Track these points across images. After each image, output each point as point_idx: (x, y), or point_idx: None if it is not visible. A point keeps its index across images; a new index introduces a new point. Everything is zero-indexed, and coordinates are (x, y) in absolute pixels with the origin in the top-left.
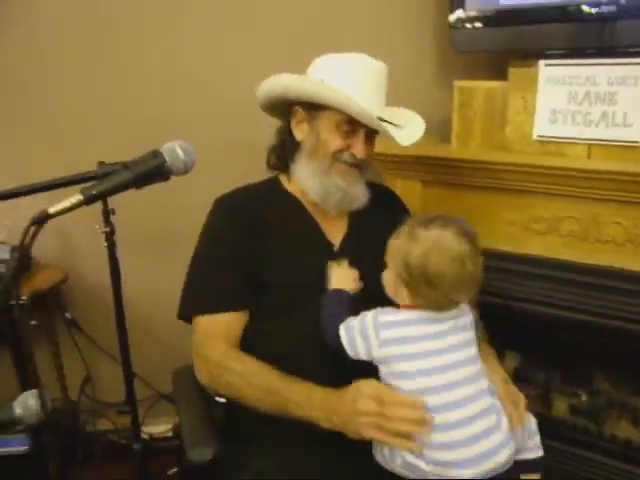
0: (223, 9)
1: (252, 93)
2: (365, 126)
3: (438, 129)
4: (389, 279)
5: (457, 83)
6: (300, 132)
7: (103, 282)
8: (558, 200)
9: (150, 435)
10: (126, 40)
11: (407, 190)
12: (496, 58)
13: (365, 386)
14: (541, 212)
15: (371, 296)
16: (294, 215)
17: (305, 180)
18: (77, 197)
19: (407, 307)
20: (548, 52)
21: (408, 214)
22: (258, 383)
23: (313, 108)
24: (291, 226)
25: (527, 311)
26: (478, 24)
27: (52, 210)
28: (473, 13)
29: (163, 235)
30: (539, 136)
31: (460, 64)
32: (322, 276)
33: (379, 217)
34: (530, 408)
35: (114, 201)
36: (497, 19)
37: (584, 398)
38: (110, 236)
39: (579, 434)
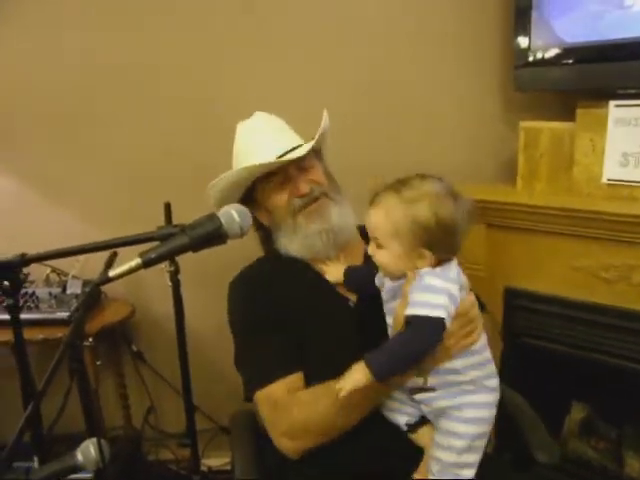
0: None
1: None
2: (289, 166)
3: (504, 169)
4: (396, 256)
5: (523, 124)
6: (262, 217)
7: (168, 316)
8: (628, 247)
9: (209, 467)
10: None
11: (472, 233)
12: (563, 97)
13: None
14: (610, 260)
15: None
16: (303, 278)
17: (290, 249)
18: (136, 261)
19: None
20: (619, 92)
21: None
22: (325, 402)
23: (248, 193)
24: (305, 290)
25: (595, 361)
26: (543, 62)
27: (112, 274)
28: (539, 51)
29: (226, 270)
30: (609, 180)
31: (527, 102)
32: (343, 331)
33: None
34: (600, 465)
35: None
36: (563, 56)
37: None
38: (174, 275)
39: None
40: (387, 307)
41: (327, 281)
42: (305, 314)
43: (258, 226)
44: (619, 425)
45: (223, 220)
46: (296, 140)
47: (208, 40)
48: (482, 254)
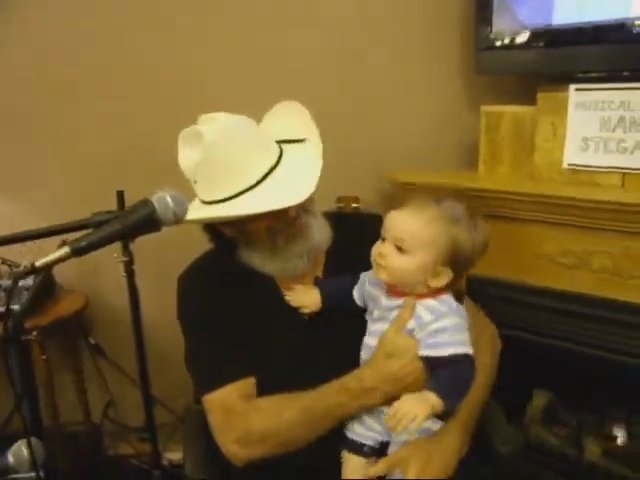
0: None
1: None
2: None
3: (467, 154)
4: (419, 266)
5: (484, 108)
6: (226, 229)
7: (125, 307)
8: (589, 233)
9: (170, 461)
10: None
11: None
12: (525, 81)
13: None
14: (570, 245)
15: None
16: (258, 285)
17: (262, 267)
18: (65, 250)
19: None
20: (579, 75)
21: None
22: (290, 415)
23: None
24: (257, 297)
25: (557, 348)
26: (505, 45)
27: (38, 264)
28: (500, 34)
29: (183, 259)
30: (569, 164)
31: (489, 86)
32: (296, 343)
33: (352, 250)
34: (561, 451)
35: None
36: (525, 40)
37: (620, 442)
38: (129, 265)
39: None
40: (374, 327)
41: (280, 292)
42: (257, 320)
43: (209, 227)
44: (579, 412)
45: (157, 205)
46: (271, 147)
47: (170, 28)
48: None
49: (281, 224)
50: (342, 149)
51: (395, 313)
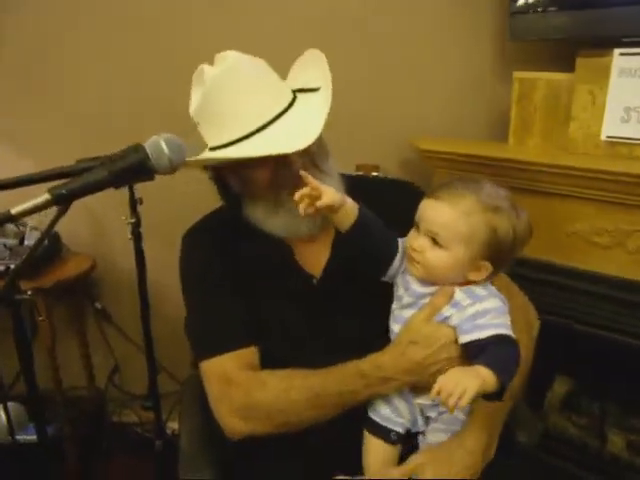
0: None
1: None
2: None
3: (496, 124)
4: (456, 261)
5: (517, 74)
6: (232, 181)
7: (131, 271)
8: (625, 211)
9: (174, 431)
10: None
11: None
12: (562, 47)
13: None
14: (605, 224)
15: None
16: (266, 246)
17: (266, 225)
18: (45, 197)
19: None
20: (624, 39)
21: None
22: (297, 396)
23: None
24: (265, 260)
25: (585, 333)
26: (541, 8)
27: (14, 211)
28: None
29: (191, 221)
30: (608, 137)
31: (522, 53)
32: (302, 315)
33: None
34: (581, 442)
35: (141, 189)
36: (562, 2)
37: None
38: (136, 227)
39: (637, 475)
40: (401, 314)
41: (292, 258)
42: (264, 284)
43: (217, 178)
44: (603, 400)
45: (149, 151)
46: (283, 92)
47: None
48: None
49: (286, 177)
50: (362, 115)
51: (427, 301)
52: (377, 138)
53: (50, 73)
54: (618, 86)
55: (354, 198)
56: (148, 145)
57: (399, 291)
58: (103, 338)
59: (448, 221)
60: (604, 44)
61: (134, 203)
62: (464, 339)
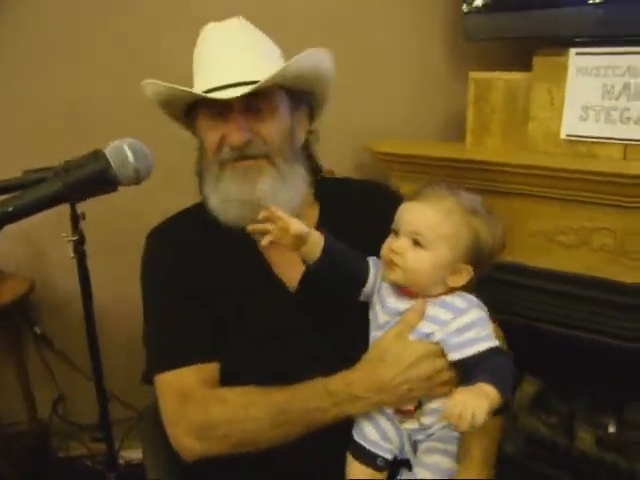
0: None
1: None
2: (234, 106)
3: (452, 126)
4: (439, 262)
5: (473, 74)
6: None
7: (74, 292)
8: (588, 209)
9: (127, 461)
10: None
11: None
12: (517, 48)
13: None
14: (569, 222)
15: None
16: (237, 246)
17: (209, 202)
18: None
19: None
20: (579, 39)
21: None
22: (258, 413)
23: (191, 112)
24: (234, 262)
25: (550, 333)
26: (494, 7)
27: None
28: None
29: (141, 237)
30: (568, 135)
31: (476, 53)
32: (277, 321)
33: (356, 226)
34: (551, 439)
35: (82, 203)
36: (517, 1)
37: (613, 429)
38: (79, 245)
39: (607, 471)
40: (377, 334)
41: (263, 257)
42: (233, 293)
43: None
44: (570, 399)
45: (112, 159)
46: (264, 68)
47: None
48: None
49: (228, 153)
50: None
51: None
52: (331, 142)
53: None
54: (576, 85)
55: (326, 201)
56: (110, 151)
57: (375, 308)
58: (44, 366)
59: (432, 221)
60: (561, 44)
61: (76, 218)
62: (454, 356)
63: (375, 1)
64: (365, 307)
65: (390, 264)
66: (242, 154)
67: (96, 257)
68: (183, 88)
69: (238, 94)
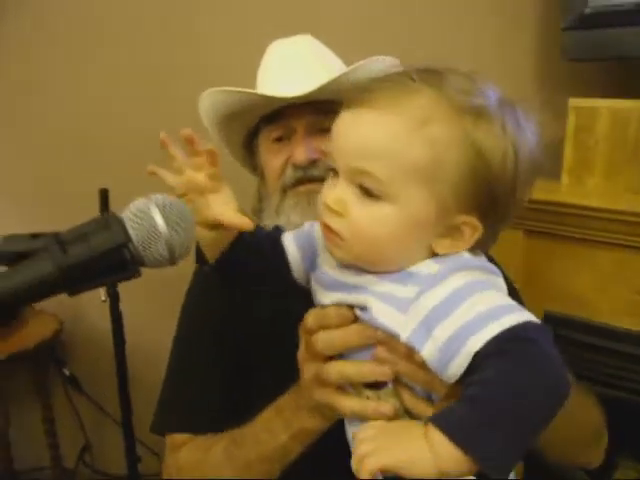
0: None
1: None
2: (293, 119)
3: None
4: (414, 218)
5: (573, 101)
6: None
7: (104, 332)
8: None
9: None
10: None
11: (505, 241)
12: (625, 68)
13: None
14: None
15: None
16: (292, 305)
17: None
18: None
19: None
20: None
21: None
22: (215, 449)
23: (252, 132)
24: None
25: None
26: (601, 23)
27: None
28: (595, 8)
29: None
30: None
31: (576, 75)
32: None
33: None
34: None
35: None
36: (627, 16)
37: None
38: (112, 287)
39: None
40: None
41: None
42: (252, 348)
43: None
44: None
45: (133, 229)
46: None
47: None
48: (518, 268)
49: (291, 174)
50: None
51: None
52: None
53: None
54: None
55: None
56: (129, 216)
57: (317, 296)
58: (72, 409)
59: (388, 142)
60: None
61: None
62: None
63: (456, 20)
64: None
65: (327, 232)
66: (306, 175)
67: (128, 295)
68: (252, 91)
69: (306, 91)
